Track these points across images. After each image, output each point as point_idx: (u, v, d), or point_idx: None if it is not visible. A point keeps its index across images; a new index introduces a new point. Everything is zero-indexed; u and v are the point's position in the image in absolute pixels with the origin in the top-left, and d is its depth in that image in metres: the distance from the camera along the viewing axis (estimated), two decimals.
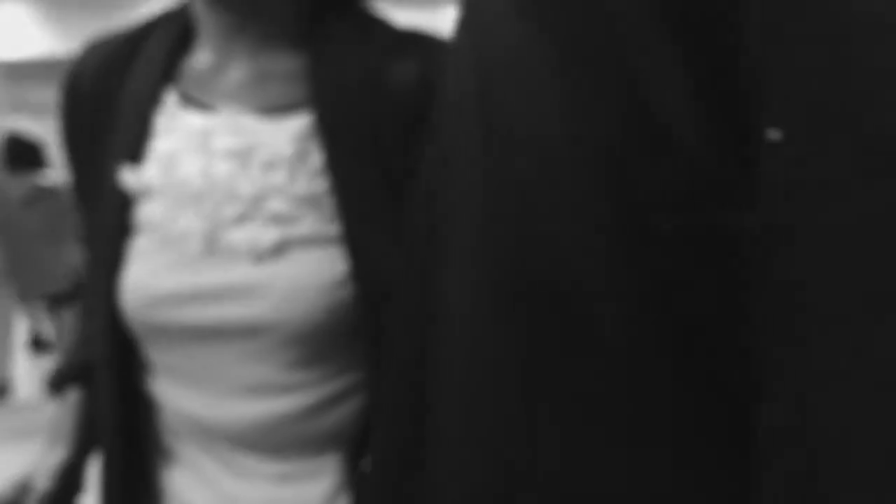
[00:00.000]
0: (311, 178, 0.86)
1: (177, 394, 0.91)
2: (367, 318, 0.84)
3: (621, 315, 0.40)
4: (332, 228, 0.85)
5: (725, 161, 0.38)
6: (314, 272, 0.84)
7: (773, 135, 0.36)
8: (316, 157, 0.86)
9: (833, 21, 0.35)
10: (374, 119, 0.86)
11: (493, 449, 0.44)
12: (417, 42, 0.90)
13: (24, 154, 5.09)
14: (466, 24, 0.50)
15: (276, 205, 0.85)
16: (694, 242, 0.39)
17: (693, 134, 0.39)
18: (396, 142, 0.85)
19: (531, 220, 0.43)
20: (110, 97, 0.92)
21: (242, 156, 0.86)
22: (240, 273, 0.85)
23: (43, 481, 0.95)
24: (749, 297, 0.37)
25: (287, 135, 0.87)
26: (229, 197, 0.86)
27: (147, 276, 0.87)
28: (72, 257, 4.84)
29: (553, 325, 0.42)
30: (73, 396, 1.02)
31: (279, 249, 0.85)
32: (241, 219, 0.85)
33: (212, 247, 0.86)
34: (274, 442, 0.88)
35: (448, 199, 0.49)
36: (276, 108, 0.88)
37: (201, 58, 0.92)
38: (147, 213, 0.88)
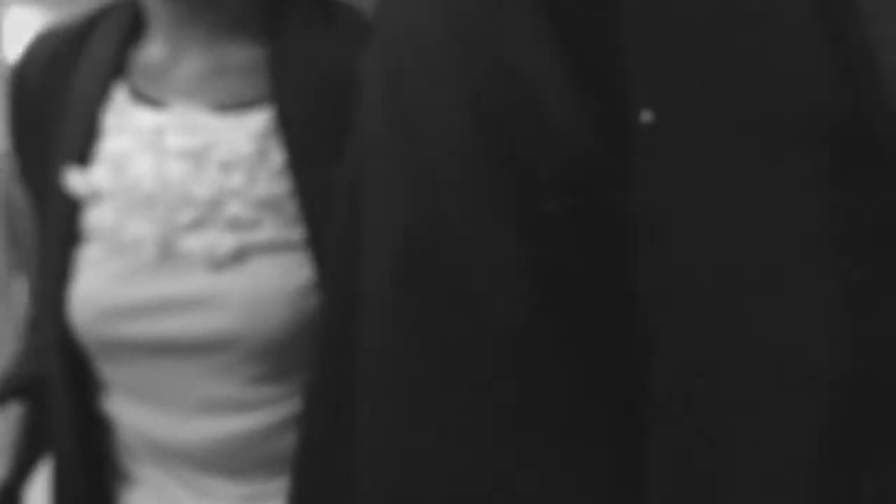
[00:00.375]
0: (272, 179, 0.81)
1: (133, 412, 0.86)
2: None
3: (512, 295, 0.41)
4: (295, 233, 0.80)
5: (605, 143, 0.39)
6: (277, 281, 0.80)
7: (646, 116, 0.37)
8: (277, 157, 0.81)
9: (704, 4, 0.36)
10: (338, 115, 0.80)
11: (395, 437, 0.45)
12: None
13: None
14: (381, 8, 0.51)
15: (235, 209, 0.80)
16: (580, 223, 0.40)
17: (573, 117, 0.39)
18: None
19: (428, 201, 0.44)
20: (58, 93, 0.87)
21: (197, 156, 0.81)
22: (196, 283, 0.80)
23: None
24: (634, 276, 0.39)
25: (245, 132, 0.81)
26: (184, 200, 0.81)
27: (97, 288, 0.82)
28: None
29: (449, 307, 0.43)
30: (14, 411, 0.97)
31: (238, 257, 0.80)
32: (197, 224, 0.80)
33: (166, 255, 0.81)
34: (239, 462, 0.84)
35: (364, 185, 0.50)
36: (233, 104, 0.83)
37: (153, 50, 0.87)
38: (96, 218, 0.83)
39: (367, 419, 0.48)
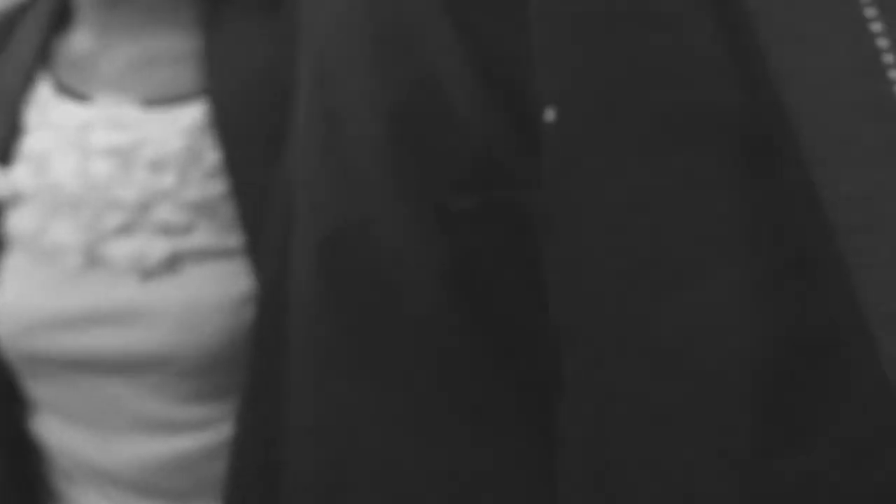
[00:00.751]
0: (206, 179, 0.76)
1: (63, 433, 0.81)
2: None
3: (426, 289, 0.42)
4: (232, 239, 0.75)
5: (513, 142, 0.39)
6: (212, 291, 0.75)
7: (549, 115, 0.37)
8: (211, 156, 0.76)
9: (606, 3, 0.37)
10: (278, 110, 0.74)
11: (320, 430, 0.47)
12: None
13: None
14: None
15: (165, 212, 0.75)
16: (489, 221, 0.41)
17: (481, 118, 0.39)
18: None
19: (349, 196, 0.44)
20: None
21: (124, 154, 0.76)
22: (125, 293, 0.75)
23: None
24: (543, 273, 0.39)
25: (177, 129, 0.76)
26: (110, 203, 0.75)
27: (19, 298, 0.77)
28: None
29: (368, 301, 0.44)
30: None
31: (170, 265, 0.75)
32: (125, 229, 0.75)
33: (92, 262, 0.76)
34: (176, 486, 0.79)
35: (296, 182, 0.51)
36: (164, 98, 0.78)
37: (79, 39, 0.81)
38: (17, 223, 0.78)
39: (296, 416, 0.48)
